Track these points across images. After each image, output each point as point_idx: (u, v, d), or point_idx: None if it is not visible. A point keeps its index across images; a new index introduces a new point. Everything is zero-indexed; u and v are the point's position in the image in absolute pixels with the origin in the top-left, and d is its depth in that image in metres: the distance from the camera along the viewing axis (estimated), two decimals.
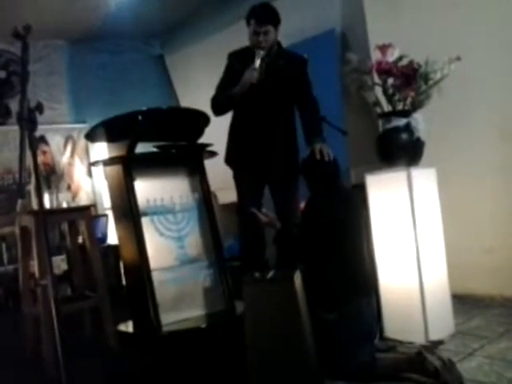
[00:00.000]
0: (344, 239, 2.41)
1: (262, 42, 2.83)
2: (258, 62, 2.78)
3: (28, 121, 1.72)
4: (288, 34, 3.83)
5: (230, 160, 3.06)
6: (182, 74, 5.89)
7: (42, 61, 5.41)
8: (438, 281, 2.73)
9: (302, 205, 2.79)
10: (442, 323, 2.70)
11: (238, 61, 2.93)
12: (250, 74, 2.77)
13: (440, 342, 2.54)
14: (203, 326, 2.51)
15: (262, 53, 2.80)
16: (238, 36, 3.04)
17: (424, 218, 2.70)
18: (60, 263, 3.78)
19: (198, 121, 2.78)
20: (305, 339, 2.11)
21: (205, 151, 2.79)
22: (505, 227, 3.21)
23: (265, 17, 2.85)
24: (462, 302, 3.14)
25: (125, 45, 5.86)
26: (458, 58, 2.67)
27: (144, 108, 2.53)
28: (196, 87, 5.36)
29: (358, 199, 2.69)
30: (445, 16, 3.35)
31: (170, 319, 2.47)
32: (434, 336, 2.59)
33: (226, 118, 3.10)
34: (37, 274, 2.87)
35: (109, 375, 2.67)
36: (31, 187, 3.76)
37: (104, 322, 3.12)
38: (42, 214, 1.88)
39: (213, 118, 2.91)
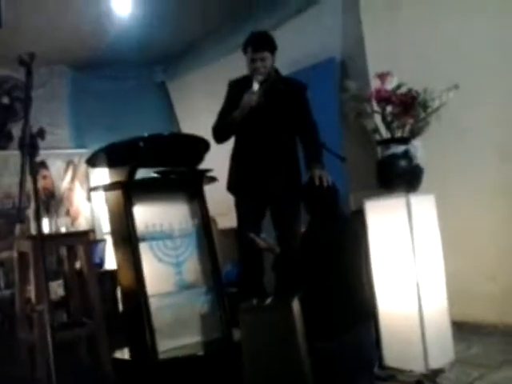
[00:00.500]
0: (343, 265, 2.40)
1: (260, 68, 2.88)
2: (256, 86, 2.82)
3: (29, 147, 1.73)
4: (288, 62, 3.89)
5: (232, 187, 3.07)
6: (183, 101, 5.95)
7: (44, 86, 5.45)
8: (437, 308, 2.70)
9: (303, 229, 2.79)
10: (441, 351, 2.66)
11: (237, 89, 2.96)
12: (249, 98, 2.81)
13: (440, 371, 2.50)
14: (200, 353, 2.49)
15: (260, 77, 2.85)
16: (238, 63, 3.08)
17: (423, 245, 2.69)
18: (57, 288, 3.75)
19: (198, 147, 2.80)
20: (302, 368, 2.09)
21: (205, 177, 2.81)
22: (507, 254, 3.19)
23: (261, 43, 2.92)
24: (462, 329, 3.10)
25: (127, 71, 5.92)
26: (457, 87, 2.70)
27: (145, 134, 2.55)
28: (197, 113, 5.40)
29: (357, 225, 2.68)
30: (443, 45, 3.40)
31: (166, 346, 2.45)
32: (434, 364, 2.55)
33: (227, 144, 3.12)
34: (33, 300, 2.84)
35: None
36: (30, 212, 3.75)
37: (100, 348, 3.09)
38: (41, 240, 1.88)
39: (213, 144, 2.93)
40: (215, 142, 3.01)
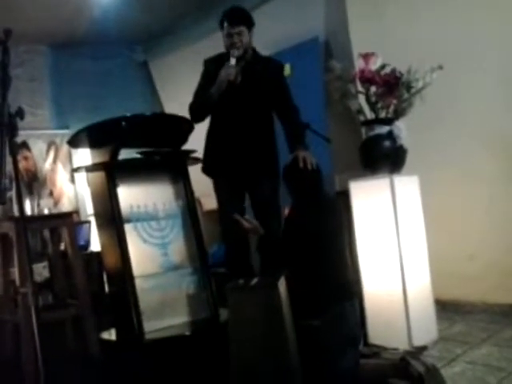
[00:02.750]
0: (327, 246, 2.42)
1: (237, 43, 2.83)
2: (233, 61, 2.77)
3: (8, 126, 1.70)
4: (272, 42, 3.86)
5: (207, 169, 3.02)
6: (166, 81, 5.87)
7: (23, 66, 5.34)
8: (421, 287, 2.75)
9: (286, 211, 2.79)
10: (425, 329, 2.71)
11: (213, 66, 2.91)
12: (226, 72, 2.76)
13: (424, 348, 2.55)
14: (187, 333, 2.50)
15: (236, 52, 2.80)
16: (221, 44, 3.03)
17: (407, 225, 2.72)
18: (42, 270, 3.72)
19: (182, 127, 2.77)
20: (288, 346, 2.11)
21: (189, 157, 2.79)
22: (486, 234, 3.24)
23: (237, 18, 2.87)
24: (445, 307, 3.17)
25: (108, 51, 5.82)
26: (440, 67, 2.70)
27: (128, 114, 2.52)
28: (180, 93, 5.31)
29: (341, 206, 2.70)
30: (428, 25, 3.39)
31: (153, 327, 2.45)
32: (418, 342, 2.60)
33: None
34: (17, 282, 2.82)
35: (89, 383, 2.63)
36: (13, 193, 3.68)
37: (86, 330, 3.08)
38: (23, 221, 1.86)
39: (197, 124, 2.90)
40: (193, 121, 2.91)
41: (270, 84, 2.94)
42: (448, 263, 3.20)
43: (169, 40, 5.57)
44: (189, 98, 3.04)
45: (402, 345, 2.57)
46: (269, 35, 3.71)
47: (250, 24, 2.90)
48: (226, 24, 2.86)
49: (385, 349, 2.58)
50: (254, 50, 2.99)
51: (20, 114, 1.75)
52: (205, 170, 3.03)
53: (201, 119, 2.96)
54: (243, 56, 2.87)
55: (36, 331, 1.66)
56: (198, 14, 4.99)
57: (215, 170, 3.00)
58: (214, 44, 3.09)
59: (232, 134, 2.91)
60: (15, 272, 2.86)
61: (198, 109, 2.94)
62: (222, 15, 2.90)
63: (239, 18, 2.88)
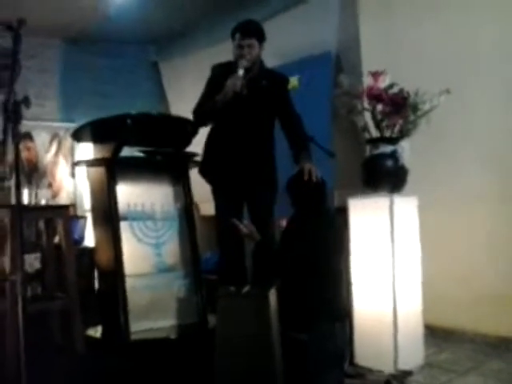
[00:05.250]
0: (323, 262, 2.41)
1: (246, 55, 2.84)
2: (241, 72, 2.77)
3: (13, 113, 1.70)
4: (283, 52, 3.88)
5: (204, 172, 2.99)
6: (174, 83, 5.89)
7: (35, 58, 5.35)
8: (411, 310, 2.73)
9: (284, 222, 2.78)
10: (412, 354, 2.69)
11: (221, 73, 2.92)
12: (233, 82, 2.76)
13: (409, 373, 2.53)
14: (173, 336, 2.48)
15: (245, 63, 2.81)
16: (231, 52, 3.04)
17: (403, 246, 2.70)
18: (33, 261, 3.70)
19: (187, 129, 2.78)
20: (274, 357, 2.09)
21: (191, 160, 2.79)
22: (481, 261, 3.22)
23: (249, 30, 2.89)
24: (434, 333, 3.14)
25: (120, 49, 5.85)
26: (448, 91, 2.71)
27: (133, 112, 2.52)
28: (187, 97, 5.30)
29: (340, 222, 2.69)
30: (439, 49, 3.40)
31: (139, 327, 2.44)
32: (403, 366, 2.57)
33: None
34: (7, 268, 2.81)
35: (70, 378, 2.60)
36: (12, 182, 3.67)
37: (72, 324, 3.06)
38: (19, 209, 1.85)
39: (202, 128, 2.90)
40: (195, 125, 2.94)
41: (274, 97, 2.95)
42: (440, 288, 3.18)
43: (181, 43, 5.59)
44: (195, 101, 3.04)
45: (388, 368, 2.55)
46: (281, 46, 3.73)
47: (261, 38, 2.92)
48: (238, 35, 2.89)
49: (370, 370, 2.56)
50: (261, 62, 3.01)
51: (26, 102, 1.76)
52: (202, 172, 3.00)
53: (203, 124, 2.98)
54: (251, 68, 2.89)
55: (21, 320, 1.65)
56: (212, 20, 5.01)
57: (213, 176, 2.99)
58: (225, 52, 3.09)
59: (233, 143, 2.91)
60: (7, 260, 2.84)
61: (202, 114, 2.95)
62: (235, 27, 2.93)
63: (252, 31, 2.90)
